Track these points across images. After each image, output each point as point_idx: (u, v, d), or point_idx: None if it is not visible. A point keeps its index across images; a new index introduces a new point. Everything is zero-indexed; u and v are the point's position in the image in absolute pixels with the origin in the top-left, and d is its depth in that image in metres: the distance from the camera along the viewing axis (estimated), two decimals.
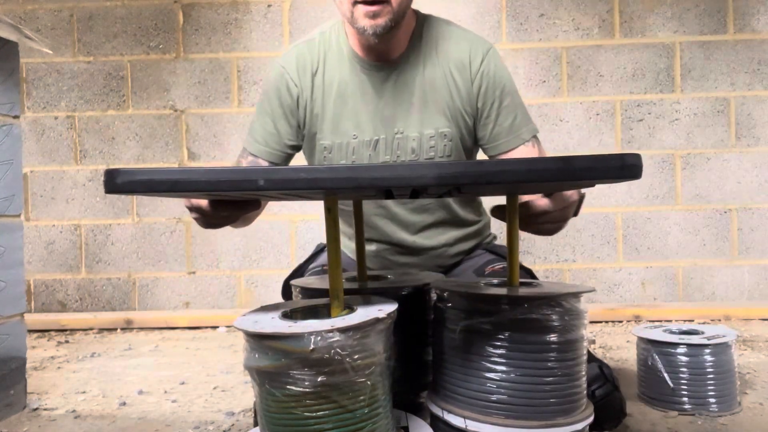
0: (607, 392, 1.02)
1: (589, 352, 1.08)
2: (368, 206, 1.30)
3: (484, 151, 1.31)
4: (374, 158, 1.25)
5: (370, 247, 1.33)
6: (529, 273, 1.27)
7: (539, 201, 0.94)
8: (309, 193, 0.74)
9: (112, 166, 2.68)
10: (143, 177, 0.64)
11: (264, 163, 1.30)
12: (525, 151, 1.24)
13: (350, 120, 1.25)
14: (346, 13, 1.15)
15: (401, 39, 1.23)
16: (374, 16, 1.12)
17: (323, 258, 1.37)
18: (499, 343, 0.82)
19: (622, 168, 0.64)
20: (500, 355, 0.81)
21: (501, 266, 1.26)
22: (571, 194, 0.94)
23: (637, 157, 0.64)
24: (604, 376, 1.02)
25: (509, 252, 0.92)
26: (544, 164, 0.64)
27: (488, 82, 1.23)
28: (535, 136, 1.27)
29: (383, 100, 1.24)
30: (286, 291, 1.38)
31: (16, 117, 1.37)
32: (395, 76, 1.24)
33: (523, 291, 0.84)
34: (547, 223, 0.97)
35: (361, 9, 1.12)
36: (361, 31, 1.15)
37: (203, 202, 0.93)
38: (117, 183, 0.64)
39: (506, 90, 1.25)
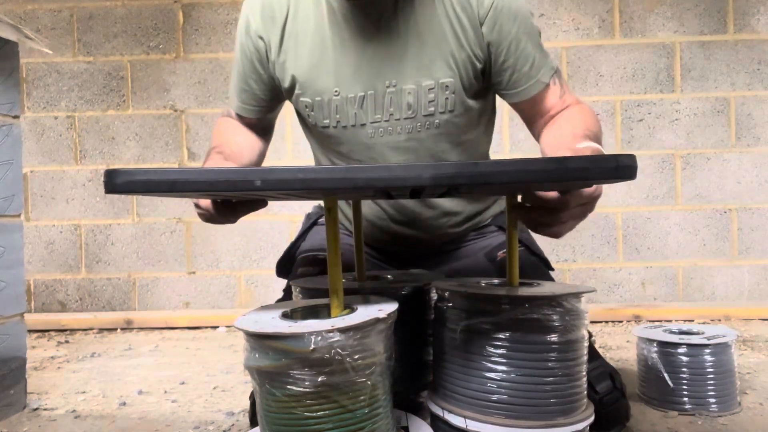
0: (615, 400, 1.02)
1: (600, 356, 1.08)
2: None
3: (502, 97, 1.13)
4: (362, 117, 1.09)
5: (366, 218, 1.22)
6: (545, 263, 1.25)
7: (550, 194, 0.84)
8: (307, 193, 0.74)
9: (112, 166, 2.68)
10: (142, 177, 0.64)
11: (251, 120, 1.21)
12: (549, 95, 1.09)
13: (330, 74, 1.07)
14: None
15: None
16: None
17: (314, 241, 1.28)
18: (499, 343, 0.82)
19: (617, 169, 0.64)
20: (501, 355, 0.81)
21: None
22: (591, 190, 0.84)
23: (632, 157, 0.65)
24: (614, 384, 1.02)
25: (509, 252, 0.92)
26: (539, 165, 0.64)
27: (502, 19, 1.04)
28: (556, 72, 1.10)
29: (370, 48, 1.06)
30: (281, 272, 1.35)
31: (16, 117, 1.37)
32: (383, 19, 1.05)
33: (523, 291, 0.84)
34: (564, 223, 0.87)
35: None
36: None
37: (207, 203, 0.90)
38: (116, 183, 0.64)
39: (523, 27, 1.05)
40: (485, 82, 1.11)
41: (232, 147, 1.14)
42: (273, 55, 1.11)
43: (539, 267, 1.21)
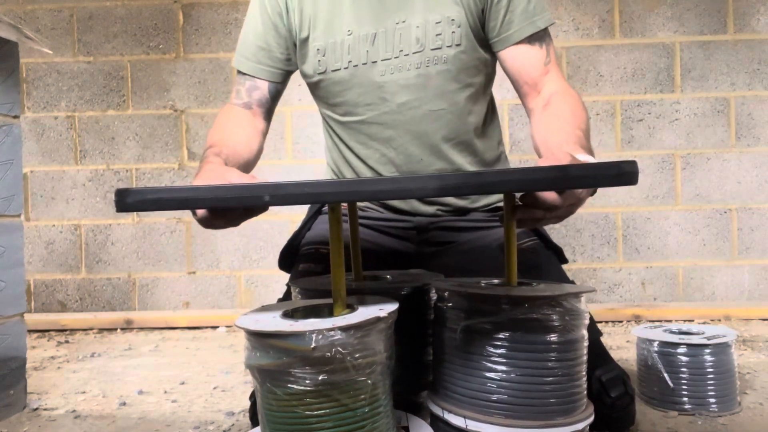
0: (626, 404, 1.02)
1: (613, 360, 1.08)
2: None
3: (493, 46, 1.16)
4: (373, 54, 1.13)
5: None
6: (558, 252, 1.24)
7: (548, 195, 0.85)
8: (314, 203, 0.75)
9: (112, 166, 2.69)
10: (153, 196, 0.66)
11: (263, 84, 1.22)
12: (532, 51, 1.11)
13: (346, 14, 1.14)
14: None
15: None
16: None
17: (317, 232, 1.28)
18: (499, 343, 0.82)
19: (619, 176, 0.65)
20: (501, 355, 0.81)
21: (531, 243, 1.17)
22: (582, 191, 0.87)
23: (633, 164, 0.65)
24: (626, 389, 1.02)
25: (507, 251, 0.92)
26: (541, 174, 0.65)
27: None
28: (547, 33, 1.13)
29: None
30: (284, 263, 1.32)
31: (16, 117, 1.37)
32: None
33: (523, 291, 0.84)
34: (551, 219, 0.88)
35: None
36: None
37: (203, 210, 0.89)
38: (128, 202, 0.66)
39: None
40: (486, 26, 1.14)
41: (229, 145, 1.14)
42: (293, 4, 1.17)
43: (553, 260, 1.20)
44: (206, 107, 2.68)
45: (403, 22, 1.11)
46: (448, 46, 1.12)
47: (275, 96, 1.26)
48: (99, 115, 2.70)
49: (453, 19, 1.11)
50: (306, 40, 1.17)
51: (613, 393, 0.99)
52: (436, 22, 1.11)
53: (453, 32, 1.11)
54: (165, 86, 2.68)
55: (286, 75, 1.26)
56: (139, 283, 2.69)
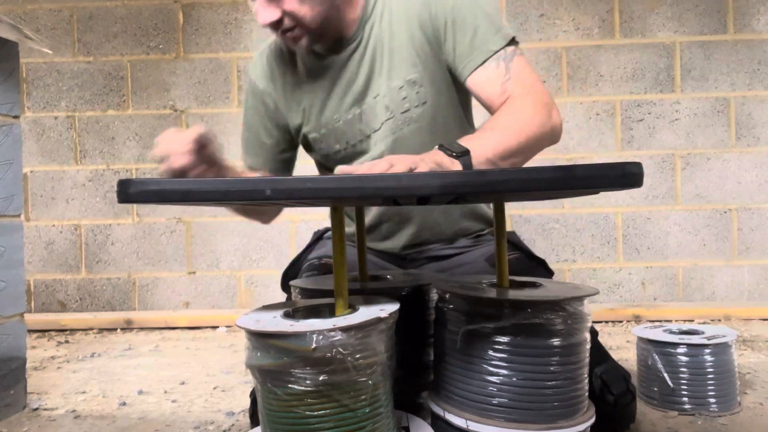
0: (627, 402, 1.02)
1: (612, 358, 1.08)
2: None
3: (458, 78, 1.16)
4: (364, 129, 1.20)
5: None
6: (542, 264, 1.25)
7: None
8: (315, 201, 0.75)
9: (112, 166, 2.69)
10: (155, 187, 0.66)
11: (267, 172, 1.31)
12: (487, 72, 1.09)
13: (328, 107, 1.21)
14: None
15: (347, 17, 1.16)
16: (294, 41, 1.12)
17: (319, 249, 1.33)
18: (501, 347, 0.81)
19: (624, 177, 0.64)
20: (503, 359, 0.81)
21: (515, 256, 1.18)
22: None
23: (638, 165, 0.65)
24: (627, 387, 1.02)
25: (498, 254, 0.92)
26: (546, 174, 0.65)
27: (437, 1, 1.13)
28: (508, 47, 1.10)
29: (352, 74, 1.19)
30: (286, 283, 1.35)
31: (16, 117, 1.37)
32: (357, 48, 1.18)
33: (526, 294, 0.84)
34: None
35: (282, 37, 1.13)
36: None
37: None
38: (129, 193, 0.66)
39: (458, 3, 1.12)
40: (449, 67, 1.17)
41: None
42: (280, 104, 1.26)
43: (539, 270, 1.21)
44: (206, 107, 2.68)
45: (377, 95, 1.17)
46: (415, 106, 1.16)
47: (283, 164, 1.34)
48: (99, 115, 2.70)
49: (414, 81, 1.15)
50: (300, 128, 1.26)
51: (615, 390, 0.99)
52: (399, 88, 1.16)
53: (417, 92, 1.16)
54: (165, 86, 2.68)
55: (288, 161, 1.34)
56: (139, 283, 2.69)
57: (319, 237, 1.40)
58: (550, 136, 1.05)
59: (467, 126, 1.28)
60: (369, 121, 1.19)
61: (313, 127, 1.24)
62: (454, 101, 1.21)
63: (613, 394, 0.99)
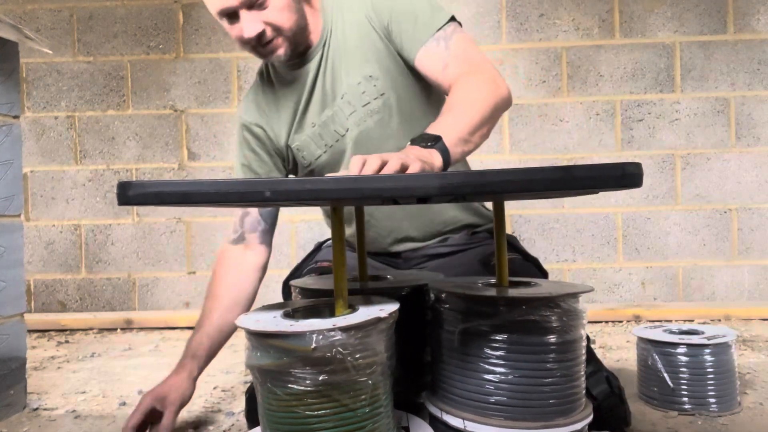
0: (613, 405, 1.02)
1: (598, 360, 1.08)
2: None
3: (408, 63, 1.24)
4: (338, 129, 1.27)
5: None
6: (537, 265, 1.25)
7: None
8: (314, 203, 0.75)
9: (112, 166, 2.69)
10: (154, 189, 0.66)
11: (253, 209, 1.35)
12: (429, 51, 1.17)
13: (306, 116, 1.29)
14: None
15: (312, 27, 1.24)
16: (274, 51, 1.18)
17: (320, 255, 1.36)
18: (497, 345, 0.81)
19: (623, 177, 0.64)
20: (499, 357, 0.81)
21: (511, 257, 1.19)
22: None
23: (638, 166, 0.65)
24: (611, 389, 1.02)
25: (497, 253, 0.92)
26: (544, 174, 0.65)
27: (378, 7, 1.22)
28: (447, 27, 1.18)
29: (321, 80, 1.27)
30: (286, 292, 1.38)
31: (16, 117, 1.37)
32: (322, 56, 1.26)
33: (520, 292, 0.84)
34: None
35: (258, 53, 1.19)
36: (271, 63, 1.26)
37: None
38: (129, 195, 0.66)
39: (399, 3, 1.21)
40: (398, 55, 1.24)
41: (218, 301, 1.42)
42: (269, 131, 1.31)
43: (534, 271, 1.22)
44: (206, 107, 2.68)
45: (343, 96, 1.25)
46: (374, 98, 1.24)
47: (267, 217, 1.38)
48: (99, 115, 2.70)
49: (370, 76, 1.23)
50: (286, 145, 1.31)
51: (595, 392, 0.99)
52: (357, 83, 1.24)
53: (374, 85, 1.23)
54: (165, 86, 2.68)
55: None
56: (139, 283, 2.69)
57: (318, 247, 1.44)
58: (504, 104, 1.10)
59: (434, 111, 1.27)
60: (341, 120, 1.26)
61: (296, 137, 1.30)
62: (414, 89, 1.26)
63: (595, 398, 0.98)
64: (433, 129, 0.98)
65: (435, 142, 0.94)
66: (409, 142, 0.97)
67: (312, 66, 1.26)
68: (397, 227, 1.31)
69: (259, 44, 1.16)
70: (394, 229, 1.31)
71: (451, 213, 1.33)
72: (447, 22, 1.18)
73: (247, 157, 1.34)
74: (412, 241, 1.32)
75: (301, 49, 1.23)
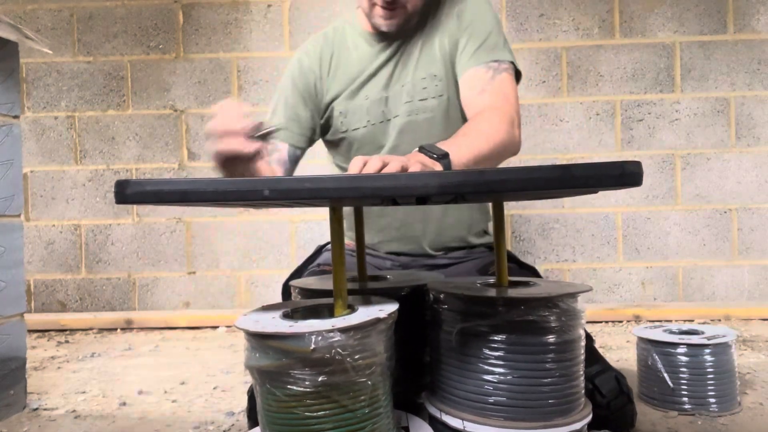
0: (622, 405, 1.02)
1: (604, 360, 1.08)
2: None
3: (456, 73, 1.32)
4: (386, 113, 1.32)
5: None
6: (533, 272, 1.26)
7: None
8: (314, 202, 0.75)
9: (112, 167, 2.68)
10: (152, 188, 0.66)
11: (284, 147, 1.34)
12: (478, 73, 1.25)
13: (363, 88, 1.33)
14: (365, 7, 1.28)
15: (411, 19, 1.31)
16: (390, 17, 1.25)
17: (320, 258, 1.37)
18: (496, 345, 0.81)
19: (623, 176, 0.64)
20: (498, 357, 0.81)
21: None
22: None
23: (638, 164, 0.65)
24: (620, 388, 1.02)
25: (497, 253, 0.92)
26: (544, 173, 0.65)
27: (465, 14, 1.30)
28: (500, 64, 1.25)
29: (393, 64, 1.33)
30: (286, 293, 1.38)
31: (16, 117, 1.37)
32: (404, 45, 1.33)
33: (519, 292, 0.84)
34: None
35: (379, 10, 1.25)
36: (375, 26, 1.29)
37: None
38: (127, 194, 0.66)
39: (479, 21, 1.29)
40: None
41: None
42: (321, 84, 1.36)
43: (529, 276, 1.23)
44: (206, 107, 2.68)
45: (404, 84, 1.31)
46: (432, 97, 1.30)
47: (294, 160, 1.38)
48: (99, 115, 2.70)
49: (435, 75, 1.30)
50: (330, 104, 1.35)
51: (605, 391, 0.99)
52: (422, 78, 1.30)
53: (436, 85, 1.30)
54: (165, 86, 2.68)
55: (308, 142, 1.39)
56: (139, 283, 2.69)
57: (319, 250, 1.44)
58: (512, 149, 1.17)
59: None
60: (393, 106, 1.32)
61: (344, 102, 1.34)
62: (459, 100, 1.32)
63: (604, 396, 0.99)
64: (444, 145, 1.01)
65: (442, 157, 0.97)
66: (417, 148, 0.99)
67: (393, 47, 1.32)
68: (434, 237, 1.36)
69: (389, 2, 1.22)
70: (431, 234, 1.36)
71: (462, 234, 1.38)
72: (506, 60, 1.26)
73: (292, 97, 1.36)
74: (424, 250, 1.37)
75: (402, 28, 1.29)
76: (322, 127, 1.40)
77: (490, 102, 1.20)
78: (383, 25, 1.26)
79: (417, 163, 0.90)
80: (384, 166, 0.83)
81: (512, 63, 1.28)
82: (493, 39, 1.28)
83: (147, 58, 2.69)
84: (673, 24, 2.56)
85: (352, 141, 1.35)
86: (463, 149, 1.04)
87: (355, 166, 0.85)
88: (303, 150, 1.39)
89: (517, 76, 1.31)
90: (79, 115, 2.70)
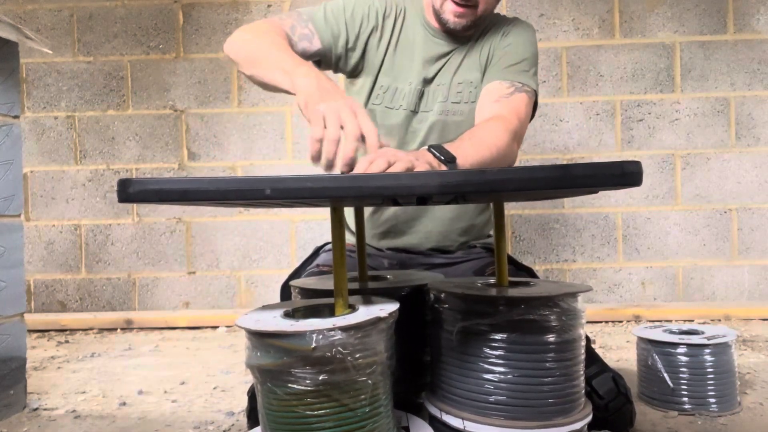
0: (620, 405, 1.02)
1: (602, 360, 1.08)
2: None
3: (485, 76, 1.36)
4: (421, 105, 1.35)
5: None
6: (530, 273, 1.27)
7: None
8: (314, 201, 0.75)
9: (112, 167, 2.68)
10: (155, 186, 0.66)
11: (316, 42, 1.30)
12: (500, 86, 1.28)
13: (409, 73, 1.35)
14: (437, 2, 1.28)
15: (479, 23, 1.33)
16: (460, 16, 1.26)
17: (319, 259, 1.37)
18: (496, 344, 0.82)
19: (623, 176, 0.64)
20: (498, 356, 0.81)
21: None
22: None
23: (637, 164, 0.65)
24: (618, 388, 1.02)
25: (497, 253, 0.92)
26: (544, 173, 0.65)
27: (509, 35, 1.35)
28: (523, 86, 1.29)
29: (444, 63, 1.35)
30: (284, 295, 1.38)
31: (16, 117, 1.37)
32: (455, 50, 1.35)
33: (519, 292, 0.84)
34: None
35: (450, 5, 1.26)
36: (443, 22, 1.30)
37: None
38: (129, 192, 0.66)
39: (519, 45, 1.33)
40: None
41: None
42: (374, 36, 1.34)
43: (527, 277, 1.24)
44: (206, 107, 2.68)
45: (440, 84, 1.34)
46: (465, 102, 1.34)
47: (312, 57, 1.32)
48: (99, 115, 2.70)
49: (471, 82, 1.34)
50: (373, 71, 1.35)
51: (602, 392, 0.99)
52: (459, 83, 1.34)
53: (470, 92, 1.34)
54: (165, 86, 2.68)
55: (335, 55, 1.34)
56: (139, 283, 2.69)
57: (316, 251, 1.45)
58: (508, 161, 1.19)
59: None
60: (427, 101, 1.35)
61: (389, 79, 1.35)
62: None
63: (602, 397, 0.99)
64: (452, 147, 1.02)
65: (450, 161, 0.98)
66: (426, 147, 0.99)
67: (446, 48, 1.34)
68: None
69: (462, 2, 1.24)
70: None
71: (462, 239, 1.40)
72: (530, 86, 1.29)
73: (347, 15, 1.32)
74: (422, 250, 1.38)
75: (467, 29, 1.31)
76: (355, 74, 1.37)
77: (500, 111, 1.22)
78: (452, 22, 1.27)
79: (425, 163, 0.90)
80: (389, 166, 0.84)
81: (535, 92, 1.31)
82: (525, 65, 1.32)
83: (147, 58, 2.69)
84: (673, 24, 2.56)
85: (382, 115, 1.35)
86: (471, 156, 1.05)
87: (360, 165, 0.85)
88: (324, 56, 1.34)
89: (534, 107, 1.33)
90: (79, 115, 2.70)
